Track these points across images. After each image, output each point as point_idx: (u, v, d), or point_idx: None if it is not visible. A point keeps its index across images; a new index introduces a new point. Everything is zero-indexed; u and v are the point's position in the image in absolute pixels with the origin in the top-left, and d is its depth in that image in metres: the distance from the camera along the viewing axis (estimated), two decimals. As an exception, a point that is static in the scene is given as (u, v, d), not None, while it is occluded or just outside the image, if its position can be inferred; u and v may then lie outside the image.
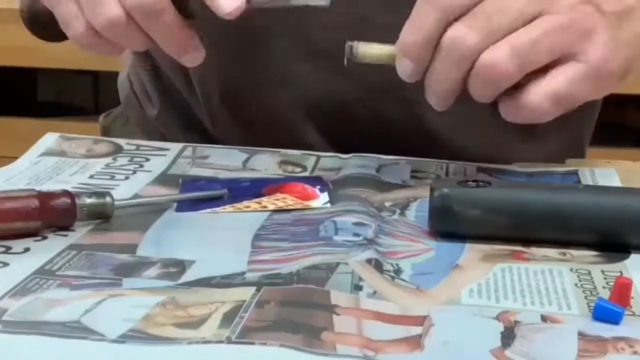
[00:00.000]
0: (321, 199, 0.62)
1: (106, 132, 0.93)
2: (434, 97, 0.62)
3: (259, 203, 0.62)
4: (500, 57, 0.58)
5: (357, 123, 0.76)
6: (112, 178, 0.66)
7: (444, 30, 0.59)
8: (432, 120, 0.76)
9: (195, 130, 0.83)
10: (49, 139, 0.73)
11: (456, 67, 0.59)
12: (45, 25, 0.76)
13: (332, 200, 0.62)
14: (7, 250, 0.53)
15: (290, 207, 0.61)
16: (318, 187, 0.65)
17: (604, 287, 0.50)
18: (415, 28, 0.60)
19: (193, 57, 0.65)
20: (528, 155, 0.75)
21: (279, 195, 0.63)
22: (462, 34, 0.58)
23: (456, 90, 0.60)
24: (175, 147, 0.74)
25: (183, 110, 0.84)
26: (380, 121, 0.76)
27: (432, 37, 0.59)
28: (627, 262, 0.54)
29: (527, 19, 0.59)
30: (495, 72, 0.58)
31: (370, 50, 0.63)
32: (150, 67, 0.87)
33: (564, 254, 0.55)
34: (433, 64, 0.60)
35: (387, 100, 0.75)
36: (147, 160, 0.70)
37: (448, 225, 0.56)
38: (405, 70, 0.61)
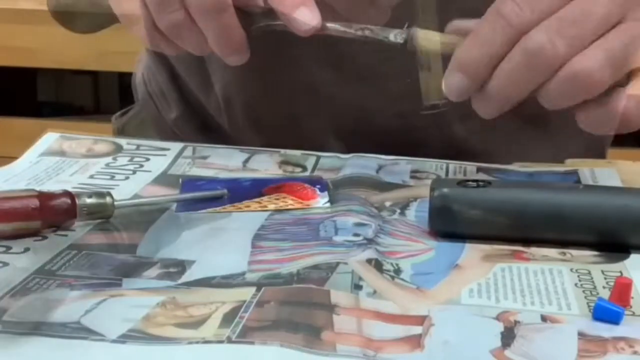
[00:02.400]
0: (321, 200, 0.62)
1: (120, 133, 0.92)
2: (494, 105, 0.58)
3: (259, 203, 0.62)
4: (595, 65, 0.55)
5: (380, 132, 0.75)
6: (112, 178, 0.66)
7: (512, 44, 0.56)
8: (457, 128, 0.76)
9: (213, 133, 0.83)
10: (49, 138, 0.73)
11: (539, 76, 0.56)
12: (73, 19, 0.76)
13: (332, 201, 0.62)
14: (7, 250, 0.53)
15: (290, 207, 0.61)
16: (318, 187, 0.64)
17: (604, 287, 0.50)
18: (480, 44, 0.57)
19: (240, 58, 0.64)
20: (548, 158, 0.75)
21: (279, 195, 0.63)
22: (550, 42, 0.55)
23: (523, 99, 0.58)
24: (175, 146, 0.74)
25: (202, 112, 0.84)
26: (403, 130, 0.75)
27: (497, 56, 0.56)
28: (627, 262, 0.54)
29: (610, 26, 0.56)
30: (590, 81, 0.55)
31: (429, 36, 0.60)
32: (167, 69, 0.86)
33: (564, 254, 0.55)
34: (504, 73, 0.57)
35: (411, 109, 0.75)
36: (147, 160, 0.70)
37: (448, 225, 0.56)
38: (457, 86, 0.58)
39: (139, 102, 0.92)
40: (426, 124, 0.75)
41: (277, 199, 0.62)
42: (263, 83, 0.77)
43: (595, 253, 0.55)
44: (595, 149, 0.82)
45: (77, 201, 0.56)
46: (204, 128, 0.84)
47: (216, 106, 0.82)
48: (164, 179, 0.67)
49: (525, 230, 0.56)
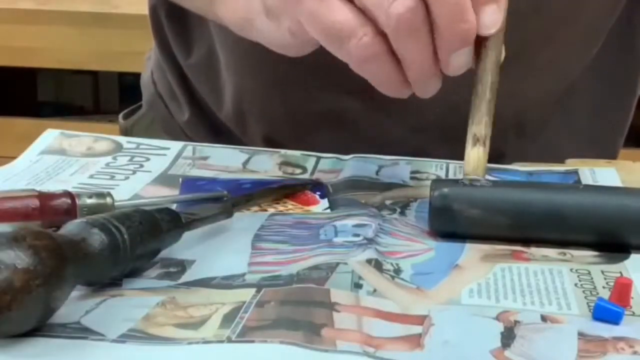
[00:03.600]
0: (321, 205, 0.62)
1: (128, 134, 0.91)
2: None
3: (259, 205, 0.62)
4: None
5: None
6: (112, 178, 0.66)
7: None
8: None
9: (225, 136, 0.82)
10: (49, 136, 0.73)
11: None
12: None
13: (332, 206, 0.62)
14: (7, 250, 0.53)
15: (290, 212, 0.61)
16: (318, 193, 0.64)
17: (604, 287, 0.50)
18: None
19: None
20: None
21: (278, 195, 0.63)
22: None
23: None
24: (175, 146, 0.74)
25: (213, 115, 0.84)
26: (419, 154, 0.75)
27: None
28: (627, 262, 0.54)
29: None
30: None
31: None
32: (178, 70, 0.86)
33: (564, 254, 0.55)
34: None
35: (430, 139, 0.75)
36: (147, 160, 0.70)
37: (448, 224, 0.56)
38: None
39: (147, 102, 0.91)
40: (442, 154, 0.74)
41: (277, 203, 0.62)
42: (280, 104, 0.77)
43: (595, 253, 0.55)
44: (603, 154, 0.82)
45: (77, 201, 0.56)
46: (216, 131, 0.84)
47: (227, 117, 0.81)
48: (164, 179, 0.67)
49: (525, 230, 0.56)
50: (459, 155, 0.72)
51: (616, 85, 0.82)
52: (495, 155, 0.74)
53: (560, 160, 0.73)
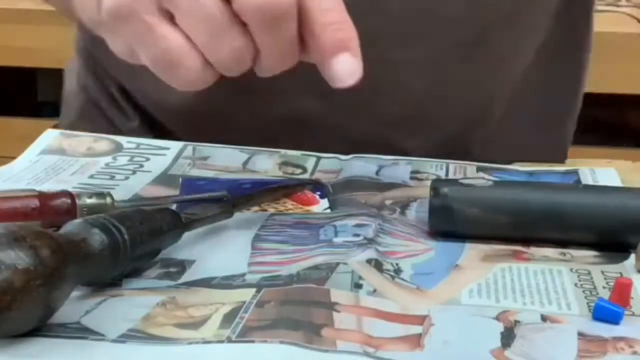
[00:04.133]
0: (321, 205, 0.62)
1: None
2: None
3: (259, 205, 0.62)
4: None
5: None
6: (112, 178, 0.66)
7: None
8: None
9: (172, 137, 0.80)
10: (49, 136, 0.73)
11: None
12: None
13: (332, 206, 0.62)
14: (7, 250, 0.53)
15: (290, 212, 0.61)
16: (318, 193, 0.64)
17: (604, 287, 0.50)
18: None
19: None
20: (511, 156, 0.75)
21: (278, 194, 0.63)
22: None
23: None
24: (175, 145, 0.74)
25: (162, 117, 0.81)
26: (391, 153, 0.74)
27: None
28: (627, 262, 0.54)
29: None
30: None
31: None
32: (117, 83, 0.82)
33: (564, 254, 0.55)
34: None
35: (398, 132, 0.75)
36: (147, 160, 0.70)
37: (448, 224, 0.56)
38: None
39: (76, 114, 0.86)
40: (412, 146, 0.74)
41: (277, 203, 0.62)
42: (239, 108, 0.75)
43: (596, 253, 0.55)
44: (556, 147, 0.82)
45: (77, 201, 0.56)
46: (165, 134, 0.80)
47: (172, 117, 0.79)
48: (164, 179, 0.67)
49: (525, 229, 0.56)
50: (429, 146, 0.72)
51: (562, 69, 0.81)
52: (462, 152, 0.74)
53: (510, 150, 0.73)
